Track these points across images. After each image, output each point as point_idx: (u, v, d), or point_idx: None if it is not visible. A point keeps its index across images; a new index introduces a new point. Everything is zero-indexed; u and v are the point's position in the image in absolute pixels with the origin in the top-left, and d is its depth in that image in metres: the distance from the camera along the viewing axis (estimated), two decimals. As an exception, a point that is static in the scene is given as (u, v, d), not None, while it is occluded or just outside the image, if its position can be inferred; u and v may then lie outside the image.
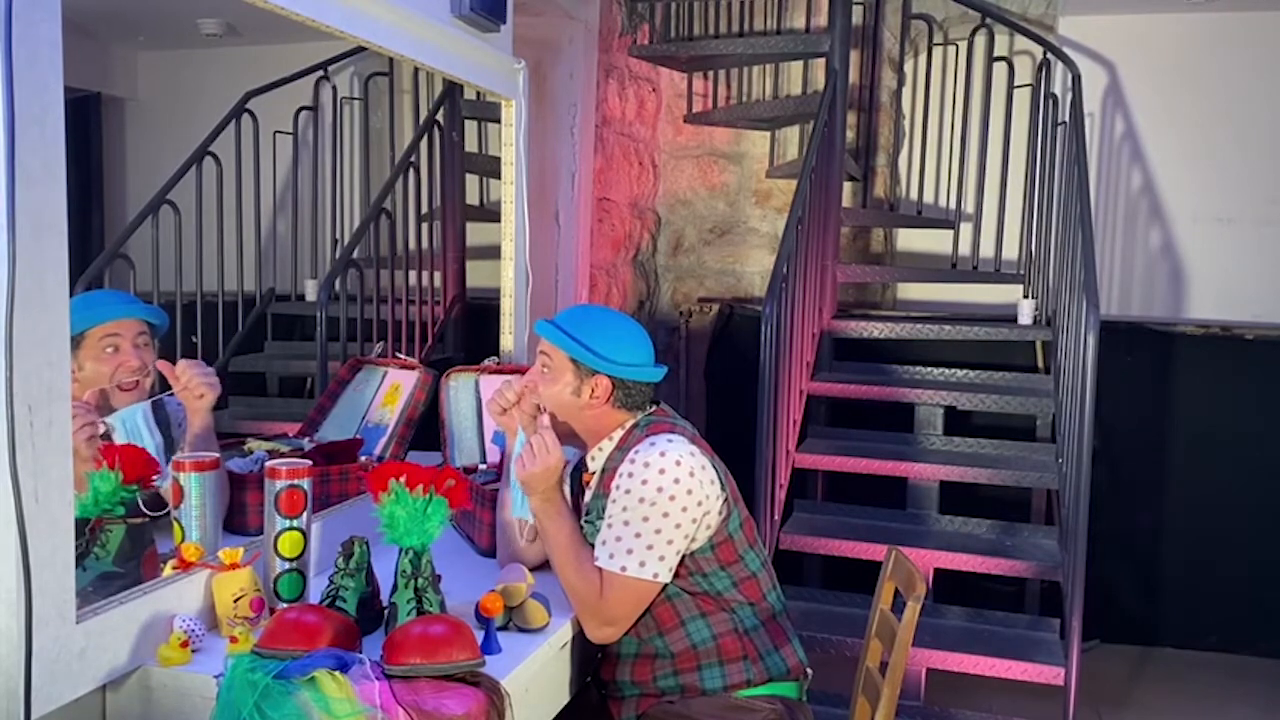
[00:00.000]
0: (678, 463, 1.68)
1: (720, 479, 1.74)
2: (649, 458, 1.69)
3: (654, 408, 1.84)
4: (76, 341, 1.80)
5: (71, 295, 1.29)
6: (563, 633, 1.73)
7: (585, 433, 1.82)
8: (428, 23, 2.16)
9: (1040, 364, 3.82)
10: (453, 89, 3.38)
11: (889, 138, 4.31)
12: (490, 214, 3.31)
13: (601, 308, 1.91)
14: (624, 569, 1.67)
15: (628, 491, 1.69)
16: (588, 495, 1.85)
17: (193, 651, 1.50)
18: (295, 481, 1.66)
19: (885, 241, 4.44)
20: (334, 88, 3.08)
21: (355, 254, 3.10)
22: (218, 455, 1.75)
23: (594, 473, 1.83)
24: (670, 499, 1.67)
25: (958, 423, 3.61)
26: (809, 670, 1.83)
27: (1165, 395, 3.86)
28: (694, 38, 4.28)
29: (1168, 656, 3.81)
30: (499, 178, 2.71)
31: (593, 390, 1.78)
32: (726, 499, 1.74)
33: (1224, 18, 3.99)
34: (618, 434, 1.81)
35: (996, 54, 3.99)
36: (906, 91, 4.30)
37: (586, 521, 1.81)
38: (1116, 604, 3.80)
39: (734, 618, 1.75)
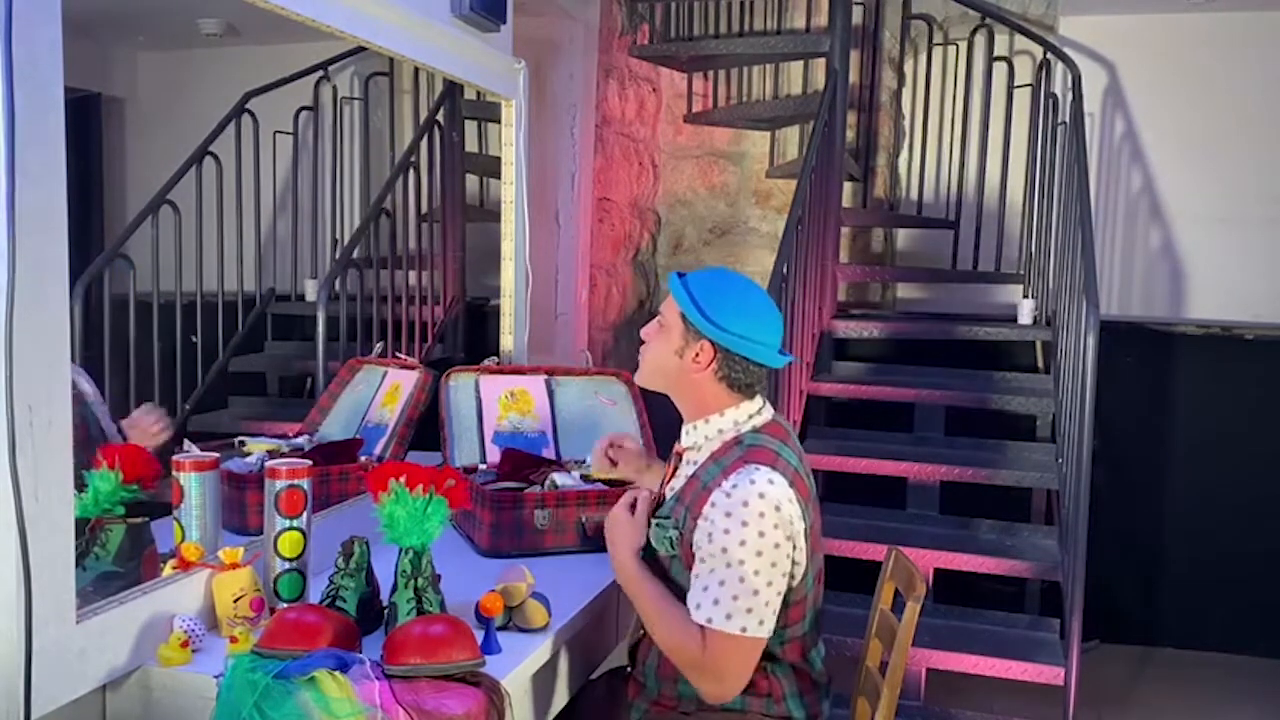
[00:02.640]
0: (777, 508, 1.56)
1: (807, 529, 1.63)
2: (747, 496, 1.56)
3: (765, 413, 1.72)
4: None
5: (71, 295, 1.30)
6: (563, 633, 1.73)
7: (683, 401, 1.74)
8: (428, 23, 2.16)
9: (1040, 364, 3.82)
10: (453, 89, 3.38)
11: (889, 138, 4.30)
12: (490, 214, 3.31)
13: (744, 277, 1.79)
14: (726, 624, 1.56)
15: (726, 532, 1.56)
16: (673, 483, 1.76)
17: (193, 651, 1.50)
18: (295, 481, 1.66)
19: (885, 241, 4.44)
20: (334, 88, 3.08)
21: (355, 254, 3.10)
22: (217, 455, 1.75)
23: (688, 449, 1.74)
24: (757, 555, 1.55)
25: (958, 423, 3.61)
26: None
27: (1165, 395, 3.86)
28: (694, 38, 4.28)
29: (1168, 656, 3.81)
30: (499, 178, 2.71)
31: (696, 354, 1.67)
32: (809, 553, 1.64)
33: (1224, 18, 3.99)
34: (716, 424, 1.70)
35: (996, 54, 3.99)
36: (906, 91, 4.29)
37: (658, 522, 1.71)
38: (1116, 604, 3.80)
39: (770, 667, 1.68)
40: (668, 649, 1.64)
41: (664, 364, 1.71)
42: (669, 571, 1.68)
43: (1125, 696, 3.45)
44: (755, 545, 1.56)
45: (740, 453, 1.65)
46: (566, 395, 2.52)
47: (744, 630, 1.56)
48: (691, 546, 1.62)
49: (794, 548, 1.60)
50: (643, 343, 1.76)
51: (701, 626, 1.58)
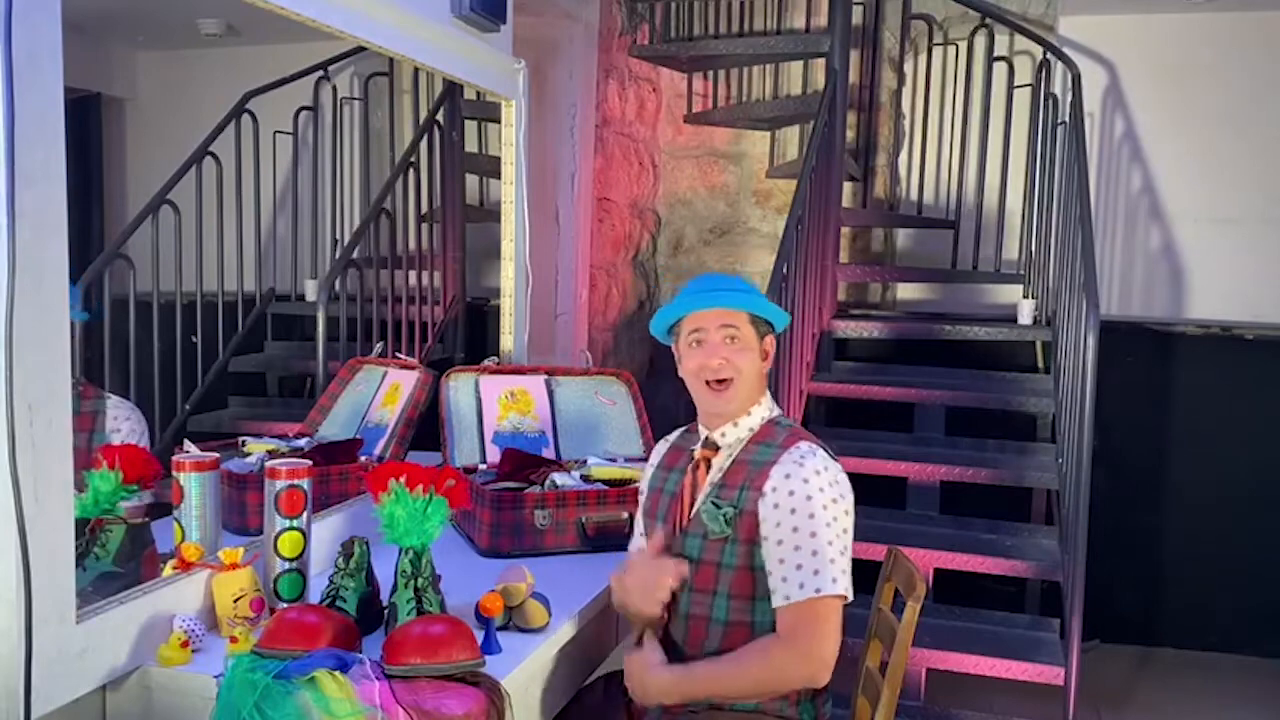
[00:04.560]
0: (841, 481, 1.68)
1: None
2: (820, 465, 1.65)
3: (770, 400, 1.79)
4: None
5: (71, 295, 1.29)
6: (563, 632, 1.73)
7: (743, 402, 1.74)
8: (428, 23, 2.16)
9: (1040, 364, 3.82)
10: (453, 89, 3.38)
11: (889, 138, 4.30)
12: (490, 214, 3.31)
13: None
14: (833, 588, 1.59)
15: (808, 498, 1.61)
16: (710, 473, 1.75)
17: (193, 651, 1.50)
18: (295, 481, 1.66)
19: (885, 241, 4.44)
20: (334, 88, 3.08)
21: (355, 254, 3.10)
22: (217, 455, 1.75)
23: (720, 450, 1.75)
24: (846, 514, 1.65)
25: (958, 423, 3.61)
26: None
27: (1165, 395, 3.86)
28: (694, 38, 4.27)
29: (1168, 656, 3.81)
30: (499, 178, 2.71)
31: (766, 354, 1.74)
32: None
33: (1224, 18, 3.99)
34: (755, 417, 1.75)
35: (996, 54, 3.98)
36: (906, 91, 4.29)
37: (708, 507, 1.69)
38: (1116, 604, 3.80)
39: None
40: (769, 687, 1.64)
41: (754, 375, 1.74)
42: (719, 557, 1.67)
43: (1125, 696, 3.45)
44: (840, 506, 1.64)
45: (785, 432, 1.74)
46: (566, 395, 2.52)
47: (846, 592, 1.61)
48: (758, 520, 1.64)
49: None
50: (722, 381, 1.72)
51: (805, 601, 1.58)
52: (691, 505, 1.74)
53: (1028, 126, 3.90)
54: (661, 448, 1.93)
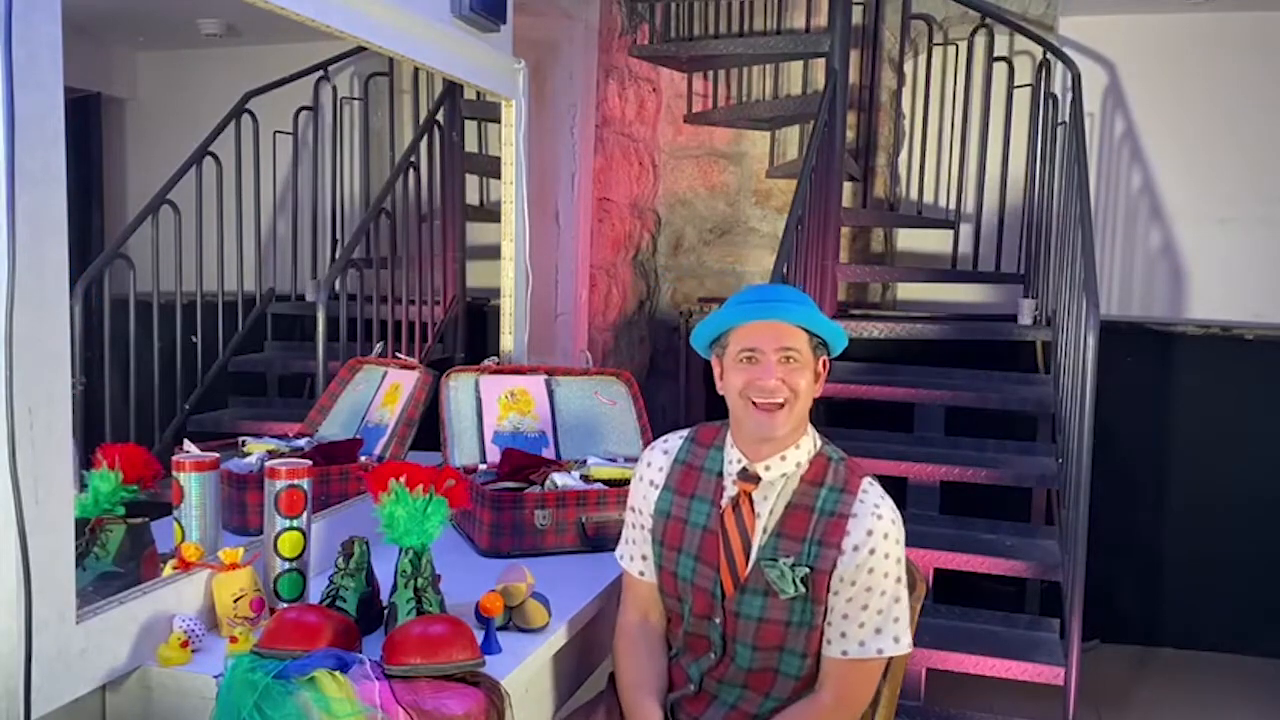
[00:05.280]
0: (900, 522, 1.59)
1: None
2: (895, 515, 1.57)
3: (813, 429, 1.66)
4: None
5: (71, 295, 1.30)
6: (563, 632, 1.73)
7: (793, 429, 1.59)
8: (428, 23, 2.16)
9: (1040, 364, 3.82)
10: (453, 89, 3.38)
11: (889, 138, 4.30)
12: (490, 214, 3.31)
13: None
14: (895, 649, 1.58)
15: (886, 556, 1.54)
16: (762, 521, 1.60)
17: (193, 651, 1.50)
18: (295, 481, 1.66)
19: (885, 241, 4.44)
20: (334, 88, 3.07)
21: (355, 254, 3.10)
22: (217, 455, 1.75)
23: (767, 485, 1.61)
24: (899, 562, 1.58)
25: (958, 423, 3.61)
26: None
27: (1165, 395, 3.86)
28: (694, 38, 4.27)
29: (1168, 656, 3.81)
30: (499, 178, 2.71)
31: (819, 376, 1.61)
32: None
33: (1224, 18, 3.99)
34: (804, 451, 1.61)
35: (996, 54, 3.99)
36: (906, 91, 4.29)
37: (773, 563, 1.56)
38: (1116, 604, 3.80)
39: None
40: None
41: (810, 397, 1.60)
42: (788, 616, 1.57)
43: (1125, 696, 3.45)
44: (898, 566, 1.57)
45: (843, 468, 1.62)
46: (566, 395, 2.52)
47: (909, 648, 1.59)
48: (831, 578, 1.55)
49: None
50: (777, 406, 1.57)
51: (851, 659, 1.56)
52: (746, 555, 1.60)
53: (1028, 126, 3.90)
54: (661, 461, 1.72)
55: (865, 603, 1.55)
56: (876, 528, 1.55)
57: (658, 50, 4.22)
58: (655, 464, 1.73)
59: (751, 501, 1.61)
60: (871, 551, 1.54)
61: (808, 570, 1.55)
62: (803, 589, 1.55)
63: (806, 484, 1.60)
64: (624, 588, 1.79)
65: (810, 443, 1.64)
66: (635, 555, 1.75)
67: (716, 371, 1.66)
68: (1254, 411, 3.78)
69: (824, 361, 1.63)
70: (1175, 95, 4.07)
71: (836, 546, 1.55)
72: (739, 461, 1.63)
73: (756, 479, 1.61)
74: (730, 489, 1.63)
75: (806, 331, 1.58)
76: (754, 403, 1.57)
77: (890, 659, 1.62)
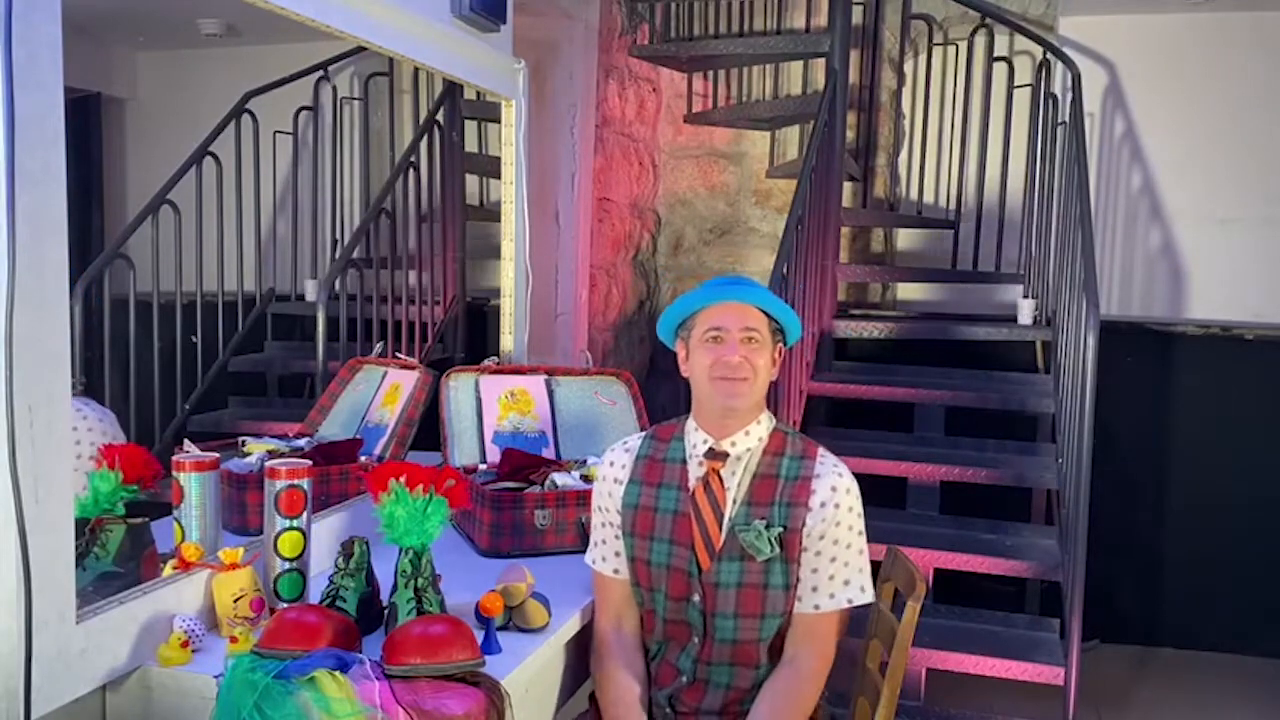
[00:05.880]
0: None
1: None
2: (850, 475, 1.72)
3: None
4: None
5: (71, 295, 1.30)
6: (563, 632, 1.73)
7: (750, 410, 1.72)
8: (428, 23, 2.16)
9: (1040, 364, 3.82)
10: (453, 89, 3.38)
11: (889, 138, 4.30)
12: (490, 214, 3.31)
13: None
14: (862, 597, 1.71)
15: (850, 510, 1.69)
16: (731, 492, 1.70)
17: (193, 651, 1.50)
18: (295, 481, 1.66)
19: (885, 241, 4.44)
20: (334, 88, 3.07)
21: (355, 254, 3.10)
22: (217, 455, 1.75)
23: (734, 461, 1.71)
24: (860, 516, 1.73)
25: (958, 423, 3.61)
26: None
27: (1165, 395, 3.86)
28: (694, 38, 4.27)
29: (1168, 656, 3.81)
30: (499, 178, 2.71)
31: (775, 361, 1.74)
32: None
33: (1224, 18, 3.99)
34: (764, 426, 1.74)
35: (996, 54, 3.99)
36: (906, 91, 4.29)
37: (745, 528, 1.66)
38: (1116, 604, 3.80)
39: None
40: (814, 701, 1.70)
41: (767, 378, 1.72)
42: (765, 579, 1.66)
43: (1125, 696, 3.45)
44: (861, 513, 1.72)
45: (799, 440, 1.75)
46: (566, 395, 2.52)
47: (873, 597, 1.72)
48: (802, 536, 1.66)
49: None
50: (739, 379, 1.68)
51: (822, 611, 1.68)
52: (719, 527, 1.68)
53: (1028, 126, 3.90)
54: (624, 459, 1.80)
55: (834, 555, 1.67)
56: (839, 484, 1.69)
57: (658, 50, 4.22)
58: (618, 462, 1.81)
59: (720, 477, 1.71)
60: (837, 506, 1.67)
61: (781, 529, 1.65)
62: (778, 549, 1.65)
63: (769, 455, 1.72)
64: (596, 595, 1.83)
65: (768, 420, 1.76)
66: (607, 555, 1.80)
67: (681, 355, 1.78)
68: (1254, 411, 3.78)
69: (779, 349, 1.75)
70: (1175, 95, 4.07)
71: (805, 505, 1.67)
72: (705, 442, 1.73)
73: (724, 455, 1.71)
74: (697, 470, 1.73)
75: (767, 315, 1.71)
76: (720, 378, 1.68)
77: (856, 608, 1.72)
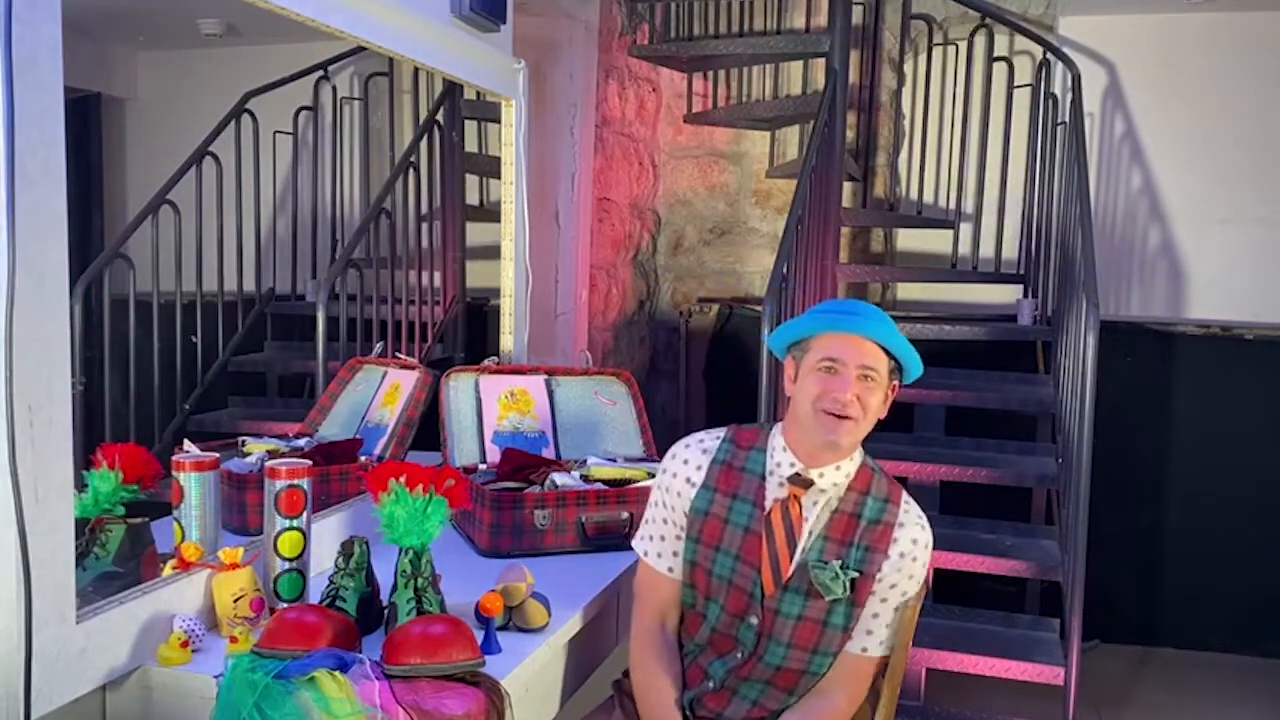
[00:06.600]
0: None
1: None
2: (928, 530, 1.70)
3: None
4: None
5: (71, 295, 1.30)
6: (563, 633, 1.73)
7: (851, 445, 1.63)
8: (428, 23, 2.16)
9: (1040, 364, 3.82)
10: (453, 89, 3.38)
11: (889, 138, 4.30)
12: (490, 214, 3.31)
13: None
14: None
15: (924, 568, 1.67)
16: (809, 525, 1.63)
17: (193, 651, 1.50)
18: (295, 481, 1.66)
19: (885, 241, 4.44)
20: (334, 88, 3.07)
21: (355, 254, 3.10)
22: (217, 455, 1.75)
23: (817, 491, 1.63)
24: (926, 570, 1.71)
25: (958, 423, 3.61)
26: None
27: (1165, 395, 3.86)
28: (694, 38, 4.27)
29: (1168, 656, 3.81)
30: (499, 178, 2.71)
31: (887, 398, 1.64)
32: None
33: (1224, 18, 3.99)
34: (854, 462, 1.66)
35: (996, 54, 3.98)
36: (906, 91, 4.29)
37: (820, 566, 1.60)
38: (1116, 604, 3.80)
39: None
40: None
41: (875, 417, 1.64)
42: (826, 617, 1.62)
43: (1125, 696, 3.45)
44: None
45: (884, 479, 1.70)
46: (566, 395, 2.52)
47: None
48: (874, 582, 1.63)
49: None
50: (847, 417, 1.58)
51: (868, 655, 1.66)
52: (790, 555, 1.62)
53: (1028, 126, 3.90)
54: (700, 459, 1.71)
55: (896, 605, 1.65)
56: (920, 537, 1.66)
57: (658, 50, 4.22)
58: (693, 462, 1.72)
59: (800, 505, 1.64)
60: (914, 560, 1.64)
61: (856, 574, 1.61)
62: (849, 592, 1.61)
63: (854, 492, 1.66)
64: (642, 587, 1.76)
65: (860, 455, 1.69)
66: (664, 551, 1.73)
67: (789, 373, 1.68)
68: (1254, 411, 3.78)
69: (895, 386, 1.66)
70: (1175, 95, 4.07)
71: (884, 552, 1.63)
72: (791, 465, 1.65)
73: (809, 484, 1.63)
74: (777, 490, 1.65)
75: (887, 353, 1.61)
76: (825, 411, 1.59)
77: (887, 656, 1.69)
